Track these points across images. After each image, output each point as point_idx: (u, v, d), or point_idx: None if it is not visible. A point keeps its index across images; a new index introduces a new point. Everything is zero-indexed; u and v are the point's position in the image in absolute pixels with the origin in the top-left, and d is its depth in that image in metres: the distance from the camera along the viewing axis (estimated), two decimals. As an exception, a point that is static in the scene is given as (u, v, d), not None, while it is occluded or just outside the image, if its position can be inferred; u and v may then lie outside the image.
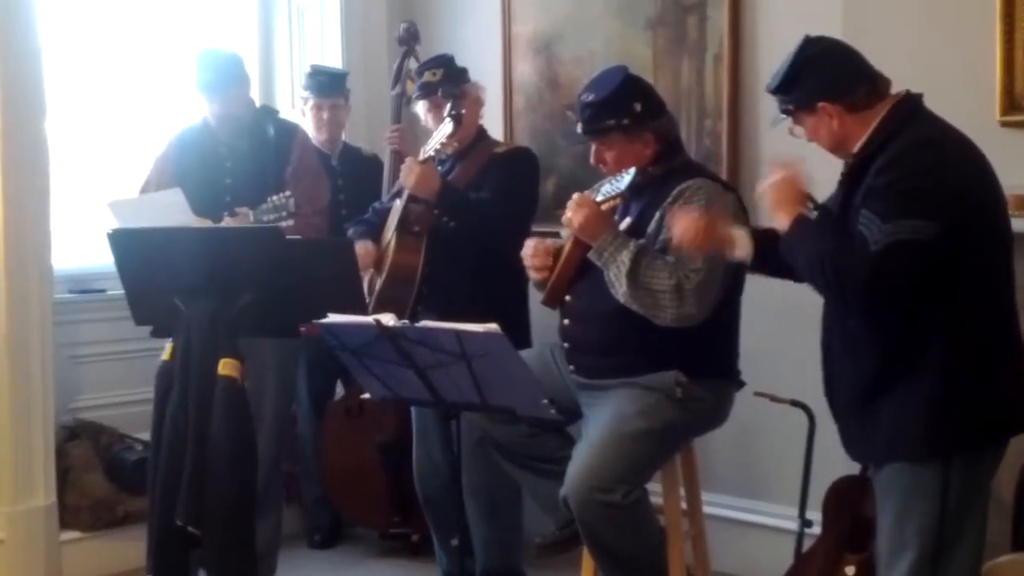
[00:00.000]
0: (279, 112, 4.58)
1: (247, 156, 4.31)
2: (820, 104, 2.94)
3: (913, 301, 2.80)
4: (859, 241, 2.78)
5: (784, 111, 3.04)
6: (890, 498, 2.92)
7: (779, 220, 2.99)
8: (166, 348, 3.54)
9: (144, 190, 4.36)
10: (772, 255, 3.06)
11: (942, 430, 2.82)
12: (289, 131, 4.44)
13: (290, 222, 4.00)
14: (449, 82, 4.30)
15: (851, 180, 2.94)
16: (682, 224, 3.18)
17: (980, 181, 2.87)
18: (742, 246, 3.15)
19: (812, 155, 3.08)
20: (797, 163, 3.05)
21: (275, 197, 4.07)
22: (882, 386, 2.88)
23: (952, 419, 2.81)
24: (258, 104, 4.53)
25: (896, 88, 2.98)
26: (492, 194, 4.16)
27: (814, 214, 2.99)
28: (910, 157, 2.80)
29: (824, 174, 3.10)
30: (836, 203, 3.00)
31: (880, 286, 2.77)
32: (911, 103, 2.94)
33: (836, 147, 3.00)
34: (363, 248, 4.26)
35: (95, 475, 4.71)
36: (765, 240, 3.12)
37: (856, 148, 2.93)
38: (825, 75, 2.95)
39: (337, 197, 4.97)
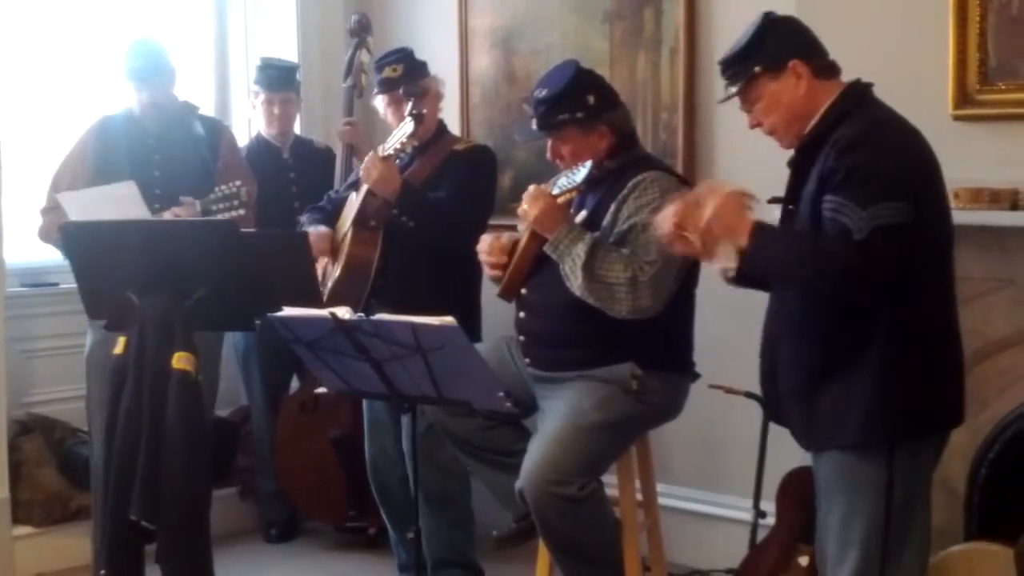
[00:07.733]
0: (199, 109, 4.58)
1: (177, 149, 4.29)
2: (791, 62, 2.87)
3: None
4: (836, 229, 2.69)
5: (739, 78, 2.93)
6: (835, 495, 2.89)
7: (738, 241, 2.80)
8: (119, 342, 3.51)
9: (56, 182, 4.30)
10: None
11: (882, 417, 2.79)
12: (217, 128, 4.53)
13: (241, 212, 3.97)
14: (410, 78, 4.28)
15: (802, 161, 2.88)
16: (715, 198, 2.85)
17: (935, 169, 2.85)
18: (728, 257, 2.94)
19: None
20: (721, 183, 2.93)
21: (224, 187, 4.05)
22: (825, 373, 2.84)
23: (893, 406, 2.78)
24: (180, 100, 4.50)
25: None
26: (450, 194, 4.15)
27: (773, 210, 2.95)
28: (873, 137, 2.75)
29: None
30: (788, 192, 2.95)
31: (873, 274, 2.69)
32: (863, 88, 2.93)
33: (795, 118, 2.90)
34: (318, 234, 4.25)
35: (48, 470, 4.68)
36: None
37: (808, 127, 2.88)
38: (794, 35, 2.93)
39: (290, 190, 4.97)
